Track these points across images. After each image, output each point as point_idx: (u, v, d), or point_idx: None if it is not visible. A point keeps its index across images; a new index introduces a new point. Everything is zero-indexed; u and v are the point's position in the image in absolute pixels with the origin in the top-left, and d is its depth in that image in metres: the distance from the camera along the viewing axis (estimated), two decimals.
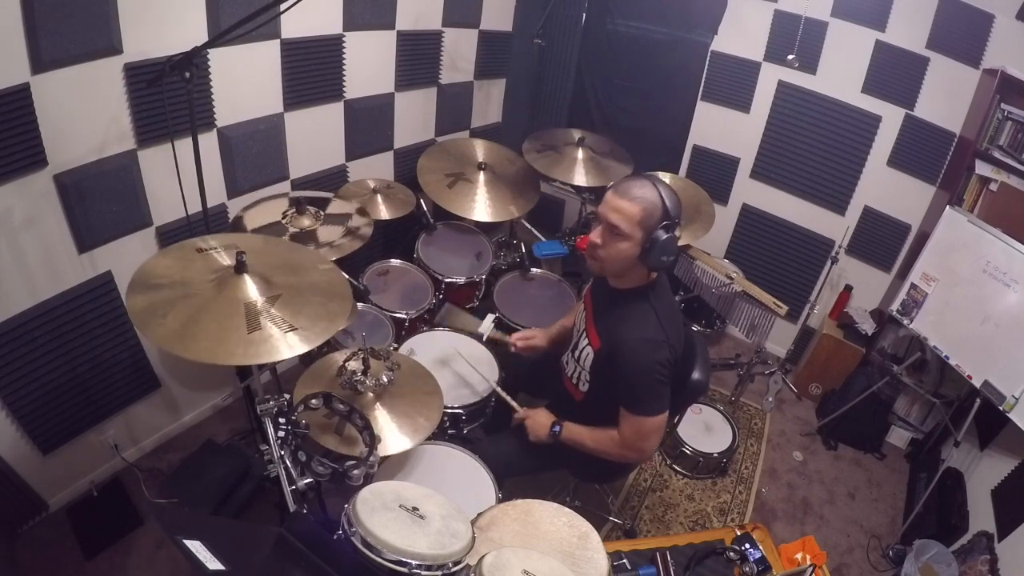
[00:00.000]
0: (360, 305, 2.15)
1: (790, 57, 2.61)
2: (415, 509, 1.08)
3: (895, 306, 2.62)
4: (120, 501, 2.09)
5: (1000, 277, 2.22)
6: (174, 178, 1.71)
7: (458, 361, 1.98)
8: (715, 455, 2.55)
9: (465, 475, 1.65)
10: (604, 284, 1.62)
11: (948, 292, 2.41)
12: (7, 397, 1.75)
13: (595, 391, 1.65)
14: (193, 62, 1.53)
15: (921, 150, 2.74)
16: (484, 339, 2.12)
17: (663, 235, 1.41)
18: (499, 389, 1.83)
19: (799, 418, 3.09)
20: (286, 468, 1.21)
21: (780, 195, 3.14)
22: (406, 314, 2.22)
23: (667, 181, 2.70)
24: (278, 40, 2.10)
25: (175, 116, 1.73)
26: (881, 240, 2.97)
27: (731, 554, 1.55)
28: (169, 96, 1.68)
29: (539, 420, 1.70)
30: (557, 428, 1.66)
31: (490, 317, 2.12)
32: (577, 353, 1.68)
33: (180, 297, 1.29)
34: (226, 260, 1.42)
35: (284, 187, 2.36)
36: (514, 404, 1.79)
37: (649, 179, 1.45)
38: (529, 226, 2.95)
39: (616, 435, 1.56)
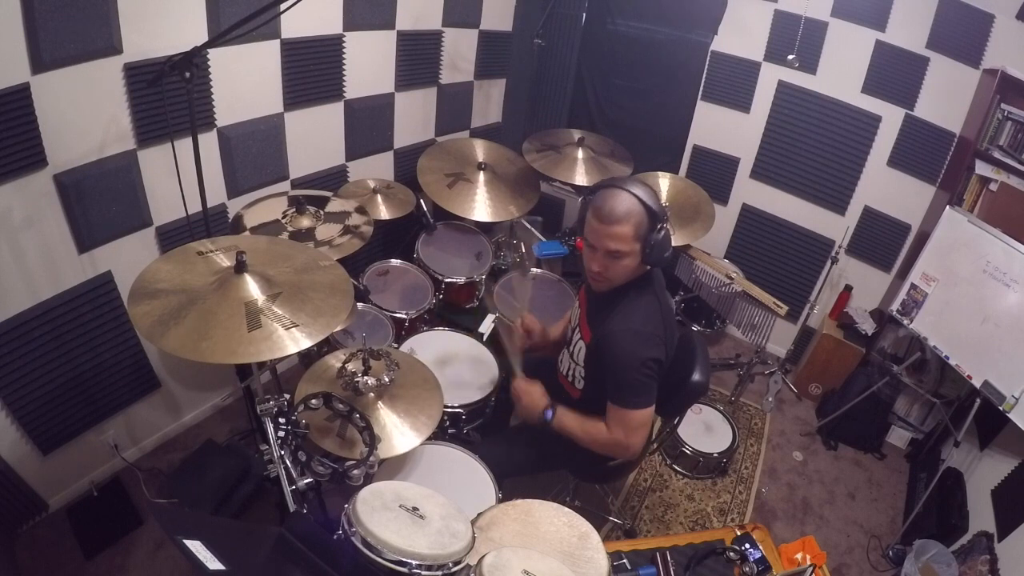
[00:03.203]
0: (360, 305, 2.15)
1: (790, 57, 2.61)
2: (415, 509, 1.08)
3: (895, 306, 2.62)
4: (120, 501, 2.09)
5: (1000, 277, 2.22)
6: (174, 178, 1.71)
7: (458, 361, 1.98)
8: (715, 455, 2.55)
9: (465, 475, 1.64)
10: None
11: (948, 292, 2.41)
12: (7, 397, 1.75)
13: (591, 388, 1.65)
14: (193, 62, 1.53)
15: (921, 150, 2.74)
16: (485, 339, 2.13)
17: (658, 236, 1.42)
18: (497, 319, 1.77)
19: (799, 418, 3.09)
20: (286, 468, 1.21)
21: (780, 195, 3.15)
22: (406, 314, 2.22)
23: (667, 181, 2.75)
24: (278, 40, 2.10)
25: (175, 116, 1.74)
26: (881, 240, 2.97)
27: (731, 554, 1.55)
28: (169, 96, 1.69)
29: (534, 398, 1.64)
30: (550, 414, 1.61)
31: (490, 317, 2.13)
32: (572, 349, 1.68)
33: (182, 302, 1.29)
34: (226, 261, 1.43)
35: (284, 187, 2.37)
36: (516, 367, 1.73)
37: (623, 189, 1.42)
38: (529, 226, 2.95)
39: (603, 426, 1.55)
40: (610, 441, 1.55)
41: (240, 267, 1.36)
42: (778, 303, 2.70)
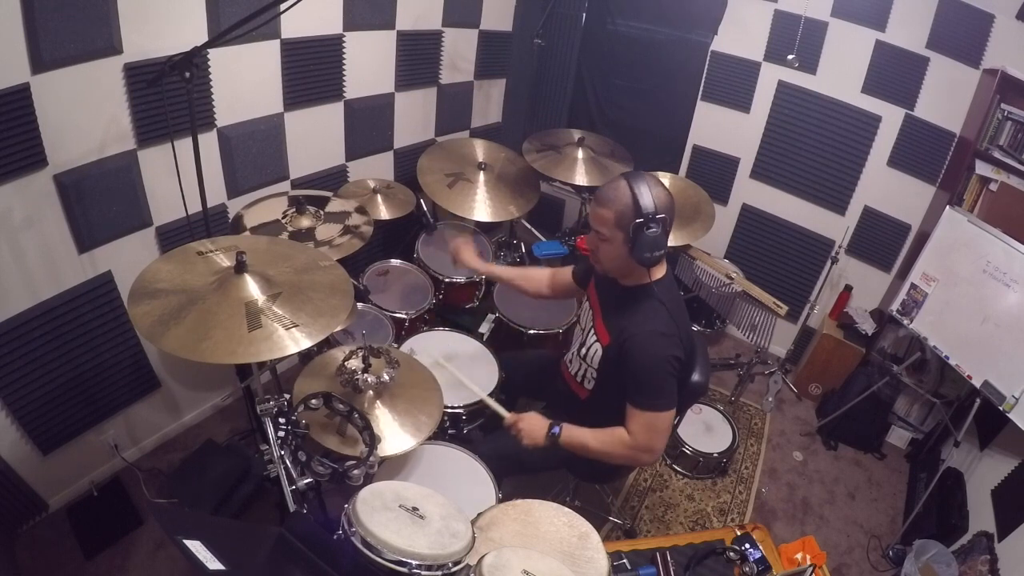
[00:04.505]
0: (360, 305, 2.15)
1: (790, 57, 2.61)
2: (415, 509, 1.08)
3: (895, 306, 2.62)
4: (120, 501, 2.09)
5: (1000, 277, 2.22)
6: (174, 178, 1.71)
7: (458, 361, 1.98)
8: (715, 455, 2.55)
9: (465, 475, 1.64)
10: (610, 282, 1.62)
11: (948, 292, 2.41)
12: (7, 397, 1.75)
13: (601, 389, 1.64)
14: (193, 62, 1.53)
15: (921, 150, 2.74)
16: (485, 339, 2.13)
17: (642, 231, 1.42)
18: (488, 399, 1.79)
19: (799, 418, 3.09)
20: (286, 468, 1.21)
21: (780, 195, 3.14)
22: (406, 314, 2.22)
23: (667, 181, 2.75)
24: (278, 40, 2.10)
25: (175, 116, 1.74)
26: (881, 240, 2.97)
27: (731, 554, 1.55)
28: (169, 96, 1.69)
29: (534, 423, 1.63)
30: (556, 430, 1.58)
31: (490, 317, 2.13)
32: (584, 351, 1.67)
33: (182, 302, 1.29)
34: (226, 261, 1.43)
35: (284, 187, 2.36)
36: (502, 410, 1.72)
37: (626, 178, 1.45)
38: (529, 226, 2.96)
39: (624, 434, 1.51)
40: (633, 447, 1.50)
41: (240, 267, 1.36)
42: (778, 303, 2.70)
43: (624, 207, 1.43)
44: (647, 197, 1.42)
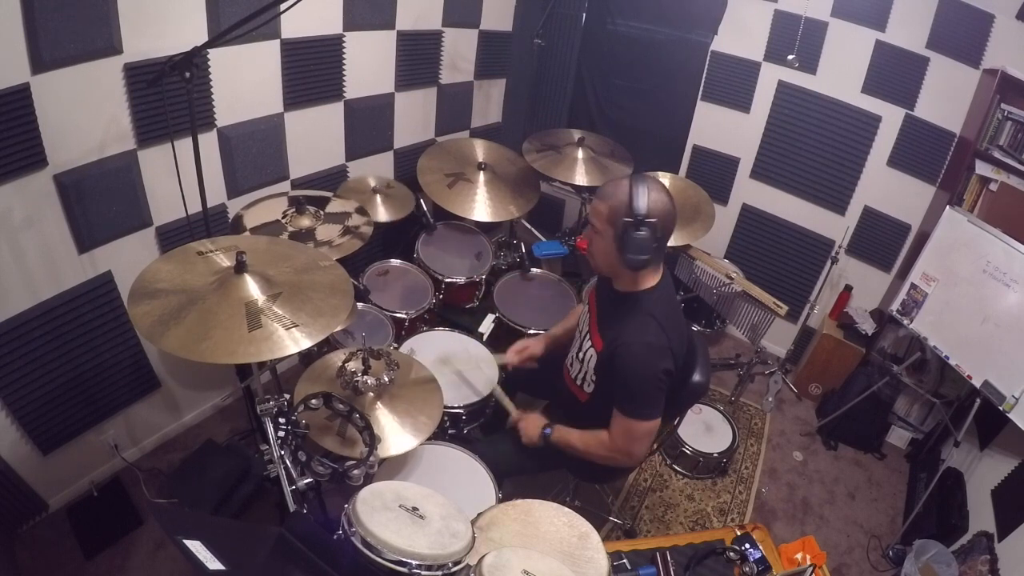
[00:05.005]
0: (360, 305, 2.15)
1: (790, 57, 2.61)
2: (415, 509, 1.08)
3: (895, 306, 2.62)
4: (120, 501, 2.09)
5: (1000, 277, 2.22)
6: (174, 178, 1.71)
7: (458, 361, 1.98)
8: (715, 455, 2.55)
9: (465, 475, 1.65)
10: (607, 286, 1.62)
11: (948, 292, 2.41)
12: (7, 397, 1.75)
13: (600, 392, 1.65)
14: (193, 62, 1.53)
15: (921, 150, 2.74)
16: (485, 339, 2.13)
17: (634, 232, 1.41)
18: (499, 389, 1.83)
19: (799, 418, 3.09)
20: (286, 468, 1.21)
21: (780, 195, 3.14)
22: (406, 314, 2.22)
23: (667, 181, 2.74)
24: (278, 40, 2.10)
25: (175, 116, 1.74)
26: (881, 240, 2.97)
27: (731, 554, 1.55)
28: (169, 96, 1.69)
29: (531, 423, 1.72)
30: (548, 431, 1.68)
31: (490, 317, 2.13)
32: (581, 354, 1.67)
33: (182, 302, 1.29)
34: (226, 261, 1.43)
35: (284, 187, 2.36)
36: (510, 407, 1.80)
37: (628, 178, 1.46)
38: (529, 226, 2.96)
39: (606, 437, 1.57)
40: (612, 450, 1.56)
41: (240, 267, 1.36)
42: (778, 303, 2.70)
43: (618, 204, 1.43)
44: (643, 199, 1.41)
